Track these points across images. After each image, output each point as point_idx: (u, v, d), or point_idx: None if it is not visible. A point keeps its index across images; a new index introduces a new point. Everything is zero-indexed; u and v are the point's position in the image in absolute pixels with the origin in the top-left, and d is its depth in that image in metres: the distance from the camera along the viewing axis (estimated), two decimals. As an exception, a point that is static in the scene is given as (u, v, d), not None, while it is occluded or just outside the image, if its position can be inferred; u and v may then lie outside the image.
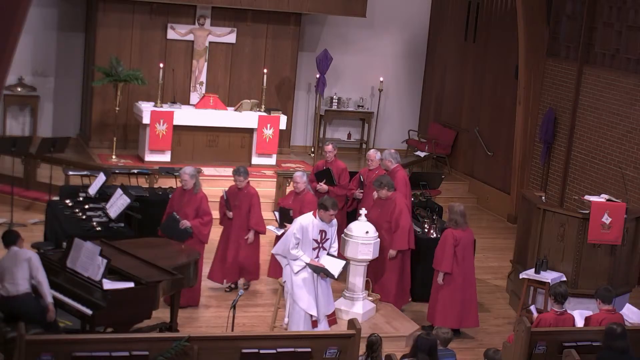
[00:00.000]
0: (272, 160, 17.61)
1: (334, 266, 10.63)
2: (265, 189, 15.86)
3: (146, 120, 16.76)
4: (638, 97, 14.55)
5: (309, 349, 8.47)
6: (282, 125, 17.64)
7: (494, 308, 12.97)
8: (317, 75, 18.60)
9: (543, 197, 13.46)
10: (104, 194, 12.70)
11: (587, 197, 12.51)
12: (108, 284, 9.46)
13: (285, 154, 18.57)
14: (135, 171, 14.67)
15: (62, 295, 9.59)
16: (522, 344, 9.09)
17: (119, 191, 12.13)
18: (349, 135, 20.14)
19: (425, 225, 13.03)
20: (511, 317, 12.44)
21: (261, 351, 8.29)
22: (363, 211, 11.54)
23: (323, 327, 10.52)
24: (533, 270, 12.05)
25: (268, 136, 17.46)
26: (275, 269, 12.30)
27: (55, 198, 13.44)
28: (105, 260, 9.46)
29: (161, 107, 16.97)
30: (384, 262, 12.03)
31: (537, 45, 16.49)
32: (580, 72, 15.72)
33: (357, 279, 11.56)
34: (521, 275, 12.20)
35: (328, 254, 10.70)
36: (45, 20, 18.00)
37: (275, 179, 16.15)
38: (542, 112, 16.60)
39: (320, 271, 10.55)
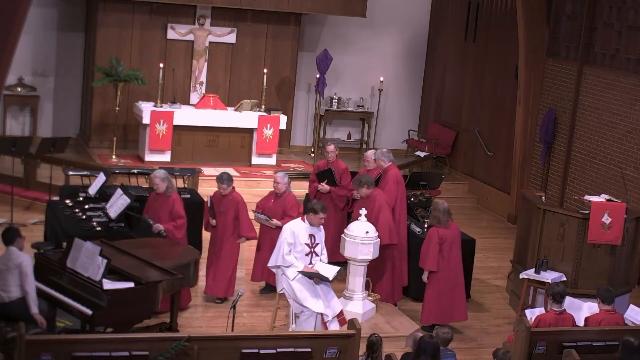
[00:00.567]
0: (272, 160, 17.62)
1: (328, 271, 10.66)
2: (265, 189, 15.78)
3: (146, 120, 16.77)
4: (638, 97, 14.55)
5: (309, 349, 8.47)
6: (282, 125, 17.65)
7: (494, 308, 12.97)
8: (317, 75, 18.60)
9: (543, 197, 13.46)
10: (104, 194, 12.69)
11: (587, 197, 12.51)
12: (108, 284, 9.46)
13: (285, 154, 18.58)
14: (135, 171, 14.66)
15: (62, 295, 9.58)
16: (522, 344, 9.09)
17: (119, 191, 12.12)
18: (349, 135, 20.14)
19: (425, 225, 13.02)
20: (511, 317, 12.43)
21: (261, 351, 8.29)
22: (363, 211, 11.54)
23: (335, 328, 10.48)
24: (533, 270, 12.05)
25: (268, 136, 17.47)
26: (257, 272, 12.29)
27: (55, 198, 13.44)
28: (105, 260, 9.45)
29: (161, 107, 16.98)
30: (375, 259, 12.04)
31: (537, 45, 16.49)
32: (580, 72, 15.72)
33: (357, 279, 11.56)
34: (521, 275, 12.21)
35: (320, 261, 10.75)
36: (45, 20, 18.00)
37: (275, 179, 16.14)
38: (542, 112, 16.61)
39: (314, 276, 10.56)
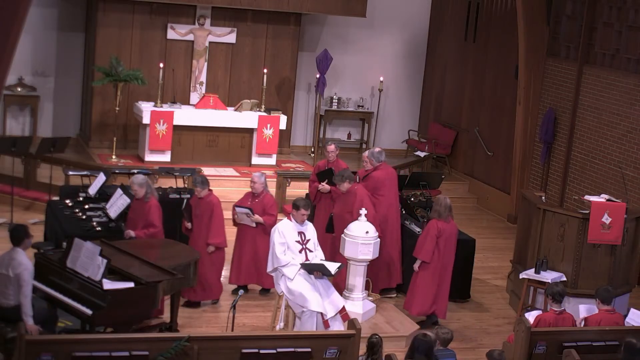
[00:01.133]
0: (272, 160, 17.62)
1: (330, 266, 10.69)
2: (265, 189, 15.85)
3: (146, 120, 16.76)
4: (638, 97, 14.55)
5: (309, 349, 8.48)
6: (282, 125, 17.65)
7: (494, 308, 12.97)
8: (317, 75, 18.60)
9: (543, 197, 13.46)
10: (104, 194, 12.70)
11: (587, 197, 12.51)
12: (108, 284, 9.46)
13: (285, 154, 18.58)
14: (135, 171, 14.64)
15: (62, 295, 9.58)
16: (522, 344, 9.10)
17: (119, 191, 12.12)
18: (349, 135, 20.14)
19: (425, 220, 13.03)
20: (511, 317, 12.43)
21: (261, 351, 8.30)
22: (363, 211, 11.55)
23: (338, 326, 10.49)
24: (533, 270, 12.05)
25: (268, 136, 17.47)
26: (237, 275, 12.22)
27: (55, 198, 13.44)
28: (105, 260, 9.45)
29: (161, 107, 16.98)
30: None
31: (537, 45, 16.49)
32: (580, 72, 15.72)
33: (357, 279, 11.56)
34: (521, 275, 12.21)
35: (316, 256, 10.78)
36: (45, 20, 18.00)
37: (275, 179, 16.15)
38: (542, 112, 16.60)
39: (316, 269, 10.57)
